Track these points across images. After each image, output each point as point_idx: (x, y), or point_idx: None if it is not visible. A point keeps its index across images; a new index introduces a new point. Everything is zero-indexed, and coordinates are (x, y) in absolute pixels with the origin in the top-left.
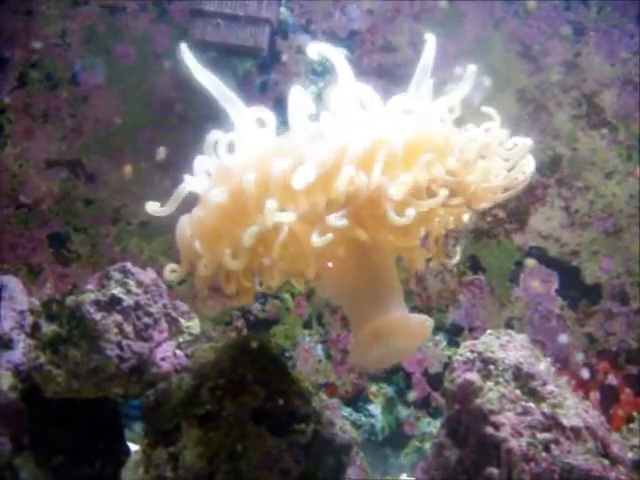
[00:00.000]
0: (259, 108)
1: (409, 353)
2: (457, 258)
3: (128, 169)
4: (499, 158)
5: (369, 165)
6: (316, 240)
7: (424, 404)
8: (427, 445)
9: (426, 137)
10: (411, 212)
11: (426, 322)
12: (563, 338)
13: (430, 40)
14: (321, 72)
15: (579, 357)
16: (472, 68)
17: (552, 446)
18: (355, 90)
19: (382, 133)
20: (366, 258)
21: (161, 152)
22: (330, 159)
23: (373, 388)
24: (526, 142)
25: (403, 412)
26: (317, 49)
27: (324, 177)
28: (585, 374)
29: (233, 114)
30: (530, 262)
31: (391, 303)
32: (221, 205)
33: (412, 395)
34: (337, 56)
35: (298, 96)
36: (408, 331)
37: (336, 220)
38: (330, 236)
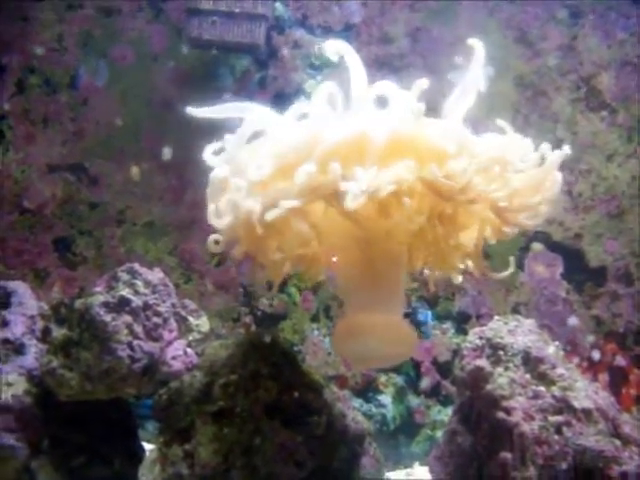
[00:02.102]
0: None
1: (392, 361)
2: (511, 269)
3: (135, 170)
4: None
5: (351, 158)
6: (269, 214)
7: (434, 392)
8: (438, 433)
9: (429, 140)
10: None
11: (409, 332)
12: (573, 320)
13: (478, 48)
14: (319, 66)
15: (590, 339)
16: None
17: (564, 428)
18: (364, 87)
19: (367, 128)
20: (370, 253)
21: (166, 152)
22: (303, 146)
23: (383, 378)
24: (555, 158)
25: (413, 401)
26: (334, 47)
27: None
28: (596, 355)
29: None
30: (536, 246)
31: (379, 304)
32: (222, 179)
33: (423, 383)
34: (350, 53)
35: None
36: (386, 336)
37: (287, 203)
38: (277, 211)
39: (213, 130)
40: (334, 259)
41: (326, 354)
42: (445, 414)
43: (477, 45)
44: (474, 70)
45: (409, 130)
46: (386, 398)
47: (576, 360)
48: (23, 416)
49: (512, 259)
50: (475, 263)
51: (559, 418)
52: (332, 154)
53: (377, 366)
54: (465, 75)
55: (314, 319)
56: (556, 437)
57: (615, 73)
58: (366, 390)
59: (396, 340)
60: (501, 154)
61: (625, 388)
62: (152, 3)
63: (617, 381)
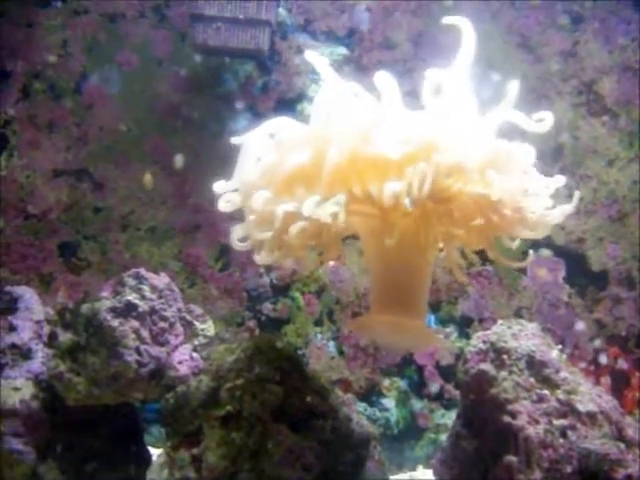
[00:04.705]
0: None
1: (413, 349)
2: (529, 260)
3: (148, 177)
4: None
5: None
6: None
7: (437, 396)
8: (442, 437)
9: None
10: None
11: (426, 334)
12: (580, 326)
13: (466, 28)
14: None
15: (596, 343)
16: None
17: (569, 432)
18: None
19: (324, 148)
20: (404, 253)
21: (179, 160)
22: (269, 171)
23: (386, 382)
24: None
25: (417, 405)
26: (310, 57)
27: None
28: (603, 359)
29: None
30: (545, 252)
31: (400, 303)
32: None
33: (432, 388)
34: (324, 67)
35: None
36: (402, 337)
37: (259, 235)
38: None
39: (216, 135)
40: (331, 263)
41: (329, 358)
42: (448, 418)
43: (464, 25)
44: (464, 55)
45: (362, 145)
46: (390, 402)
47: (583, 365)
48: (30, 421)
49: (531, 252)
50: (489, 251)
51: (564, 422)
52: (294, 178)
53: (401, 350)
54: (455, 61)
55: (318, 323)
56: (561, 440)
57: (616, 78)
58: (370, 394)
59: (412, 341)
60: (461, 160)
61: (627, 391)
62: (156, 9)
63: (619, 384)
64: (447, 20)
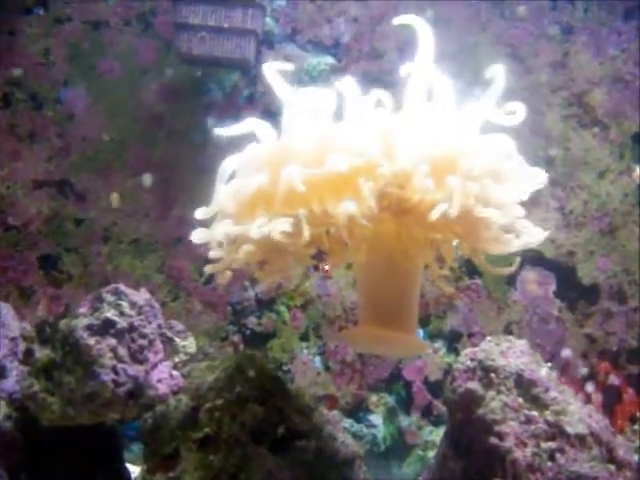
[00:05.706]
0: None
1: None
2: (514, 268)
3: (115, 196)
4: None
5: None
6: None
7: (426, 412)
8: (430, 454)
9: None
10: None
11: (416, 345)
12: (567, 352)
13: (420, 26)
14: (308, 82)
15: (583, 371)
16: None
17: (557, 455)
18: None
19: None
20: (390, 264)
21: (147, 179)
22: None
23: (373, 398)
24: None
25: (404, 421)
26: (266, 72)
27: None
28: (589, 388)
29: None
30: (530, 275)
31: (383, 314)
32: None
33: (414, 404)
34: (278, 82)
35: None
36: (387, 346)
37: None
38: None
39: (200, 146)
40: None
41: (315, 374)
42: (437, 434)
43: (417, 22)
44: (422, 56)
45: (315, 163)
46: (377, 418)
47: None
48: (2, 441)
49: (518, 258)
50: (473, 257)
51: (552, 444)
52: (256, 199)
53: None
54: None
55: (303, 338)
56: (549, 464)
57: (607, 89)
58: (357, 410)
59: (402, 352)
60: (402, 169)
61: (618, 407)
62: (140, 17)
63: (610, 400)
64: (397, 21)
